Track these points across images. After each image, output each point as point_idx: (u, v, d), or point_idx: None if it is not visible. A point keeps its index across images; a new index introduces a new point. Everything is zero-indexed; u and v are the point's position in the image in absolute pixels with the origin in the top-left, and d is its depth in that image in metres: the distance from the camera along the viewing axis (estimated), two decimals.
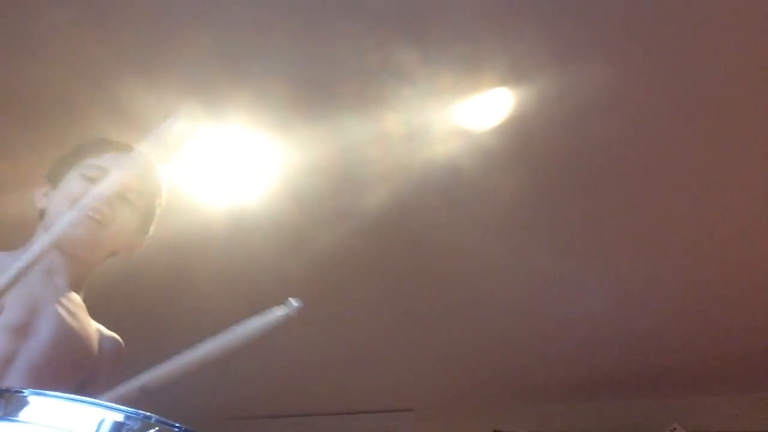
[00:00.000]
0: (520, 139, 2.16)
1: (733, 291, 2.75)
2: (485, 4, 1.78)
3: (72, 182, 1.27)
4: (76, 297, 1.25)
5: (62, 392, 1.13)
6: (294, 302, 0.94)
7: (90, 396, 1.22)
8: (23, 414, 0.66)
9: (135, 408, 0.66)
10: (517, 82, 1.98)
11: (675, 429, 3.44)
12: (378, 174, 2.33)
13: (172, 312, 3.12)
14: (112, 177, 1.25)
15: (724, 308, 2.86)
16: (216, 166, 2.34)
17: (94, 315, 1.30)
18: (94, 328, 1.27)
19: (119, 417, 0.65)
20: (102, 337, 1.27)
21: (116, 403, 0.66)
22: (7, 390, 0.67)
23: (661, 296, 2.85)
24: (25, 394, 0.67)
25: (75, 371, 1.19)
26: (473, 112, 2.07)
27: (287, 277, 2.84)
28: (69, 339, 1.17)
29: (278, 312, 0.95)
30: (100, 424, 0.64)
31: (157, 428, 0.65)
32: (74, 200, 1.22)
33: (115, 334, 1.32)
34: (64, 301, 1.20)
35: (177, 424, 0.67)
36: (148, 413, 0.67)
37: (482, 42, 1.87)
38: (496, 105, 2.04)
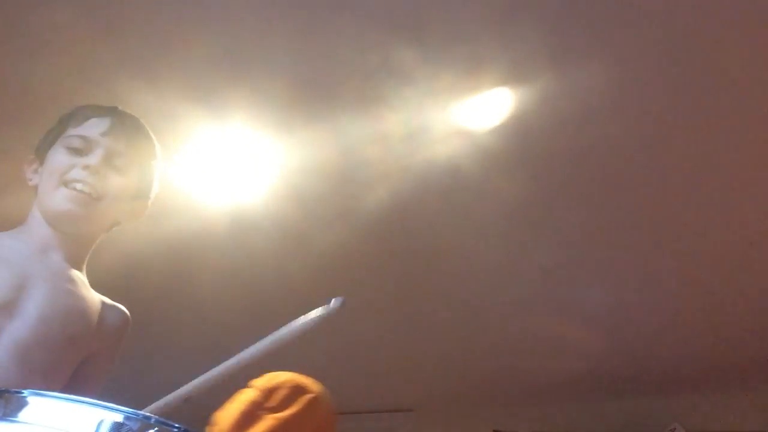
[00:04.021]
0: (520, 140, 2.15)
1: (734, 291, 2.75)
2: (485, 4, 1.78)
3: (56, 156, 1.23)
4: (74, 273, 1.21)
5: (61, 369, 1.15)
6: (335, 301, 0.92)
7: (95, 371, 1.22)
8: (23, 414, 0.66)
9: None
10: (517, 82, 1.98)
11: (675, 429, 3.44)
12: (378, 174, 2.33)
13: (172, 312, 3.12)
14: (96, 147, 1.21)
15: (724, 308, 2.86)
16: (216, 166, 2.34)
17: None
18: (97, 301, 1.23)
19: (118, 417, 0.65)
20: (105, 309, 1.23)
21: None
22: (7, 390, 0.67)
23: (661, 297, 2.85)
24: (24, 395, 0.67)
25: (73, 348, 1.16)
26: (473, 112, 2.07)
27: (287, 277, 2.84)
28: (61, 316, 1.14)
29: (319, 312, 0.93)
30: (99, 425, 0.64)
31: (156, 428, 0.65)
32: (60, 174, 1.19)
33: (121, 306, 1.27)
34: (57, 278, 1.17)
35: (176, 425, 0.67)
36: (147, 414, 0.67)
37: (482, 42, 1.87)
38: (496, 105, 2.04)
